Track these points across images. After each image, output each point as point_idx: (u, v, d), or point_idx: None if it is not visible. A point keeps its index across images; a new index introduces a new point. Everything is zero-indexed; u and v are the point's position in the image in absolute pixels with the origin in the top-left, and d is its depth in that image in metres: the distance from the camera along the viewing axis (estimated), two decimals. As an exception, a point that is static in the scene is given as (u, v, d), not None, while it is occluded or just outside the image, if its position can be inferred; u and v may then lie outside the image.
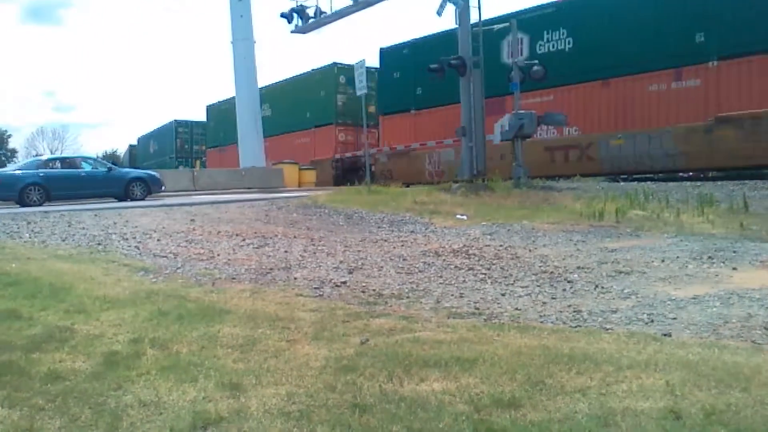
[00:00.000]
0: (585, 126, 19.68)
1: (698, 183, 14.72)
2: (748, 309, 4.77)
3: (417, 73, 22.73)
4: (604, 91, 19.12)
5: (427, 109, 24.13)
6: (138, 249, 8.06)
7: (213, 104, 44.40)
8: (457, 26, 16.79)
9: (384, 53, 27.27)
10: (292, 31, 24.40)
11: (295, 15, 23.96)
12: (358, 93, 16.67)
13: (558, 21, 20.33)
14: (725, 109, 16.09)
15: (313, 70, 30.96)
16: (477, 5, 16.64)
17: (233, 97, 32.62)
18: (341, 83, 30.09)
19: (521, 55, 17.01)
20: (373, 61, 26.34)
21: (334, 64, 30.36)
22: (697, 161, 16.79)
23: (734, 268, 6.43)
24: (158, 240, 8.72)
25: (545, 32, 20.55)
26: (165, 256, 7.57)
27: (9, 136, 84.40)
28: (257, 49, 31.40)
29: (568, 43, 20.09)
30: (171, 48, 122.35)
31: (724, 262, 6.73)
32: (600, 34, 18.78)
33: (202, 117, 46.48)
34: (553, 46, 20.46)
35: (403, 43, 26.17)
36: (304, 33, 24.80)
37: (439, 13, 16.10)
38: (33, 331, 4.50)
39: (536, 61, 16.78)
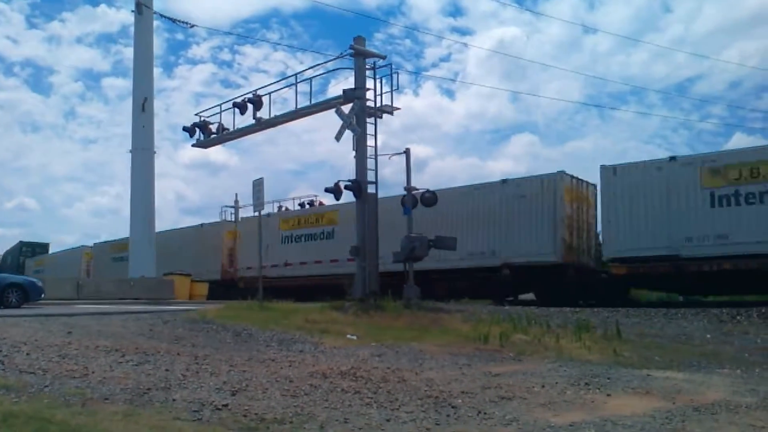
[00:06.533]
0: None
1: (577, 309, 15.55)
2: (622, 436, 5.00)
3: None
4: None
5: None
6: (2, 364, 7.44)
7: None
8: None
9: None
10: (192, 145, 24.15)
11: (197, 130, 23.75)
12: (254, 211, 16.76)
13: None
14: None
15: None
16: (374, 133, 17.43)
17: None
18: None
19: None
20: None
21: None
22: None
23: (608, 395, 6.76)
24: (27, 354, 8.10)
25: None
26: (33, 373, 7.01)
27: None
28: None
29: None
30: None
31: (599, 389, 7.08)
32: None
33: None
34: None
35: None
36: (204, 147, 24.77)
37: (337, 138, 16.79)
38: None
39: (428, 188, 17.69)
